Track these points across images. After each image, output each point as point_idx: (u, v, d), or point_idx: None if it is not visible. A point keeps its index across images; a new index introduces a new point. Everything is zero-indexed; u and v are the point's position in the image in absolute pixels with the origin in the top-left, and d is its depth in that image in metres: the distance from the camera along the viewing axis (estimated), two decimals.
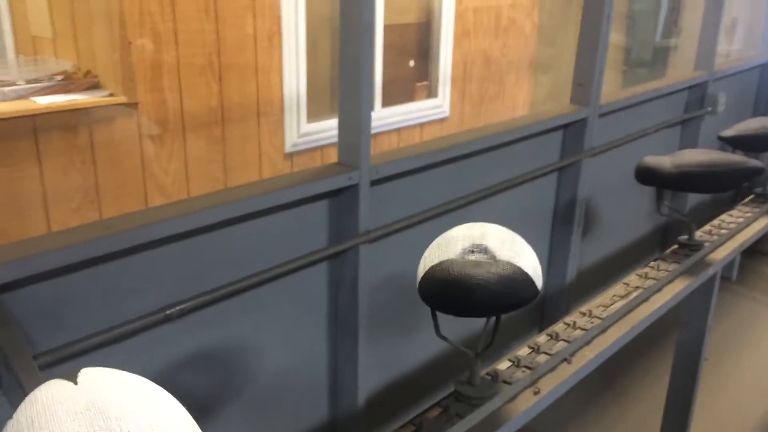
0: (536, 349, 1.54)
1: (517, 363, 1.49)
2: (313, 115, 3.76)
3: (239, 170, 3.44)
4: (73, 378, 0.85)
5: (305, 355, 1.99)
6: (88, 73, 3.02)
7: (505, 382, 1.42)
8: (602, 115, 2.81)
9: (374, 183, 1.92)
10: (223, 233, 1.66)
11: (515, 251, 1.27)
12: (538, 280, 1.28)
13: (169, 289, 1.56)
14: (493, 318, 1.31)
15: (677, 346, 2.37)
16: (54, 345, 1.34)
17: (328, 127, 3.83)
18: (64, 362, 1.35)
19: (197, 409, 1.75)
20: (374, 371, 2.12)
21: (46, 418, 0.75)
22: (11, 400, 1.19)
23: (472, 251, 1.26)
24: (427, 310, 2.27)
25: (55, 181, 2.76)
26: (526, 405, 1.40)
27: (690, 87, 3.52)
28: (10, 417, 1.10)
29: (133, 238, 1.44)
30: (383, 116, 4.09)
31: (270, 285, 1.81)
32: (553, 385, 1.47)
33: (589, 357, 1.58)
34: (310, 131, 3.74)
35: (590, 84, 2.67)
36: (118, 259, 1.45)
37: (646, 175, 2.08)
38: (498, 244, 1.28)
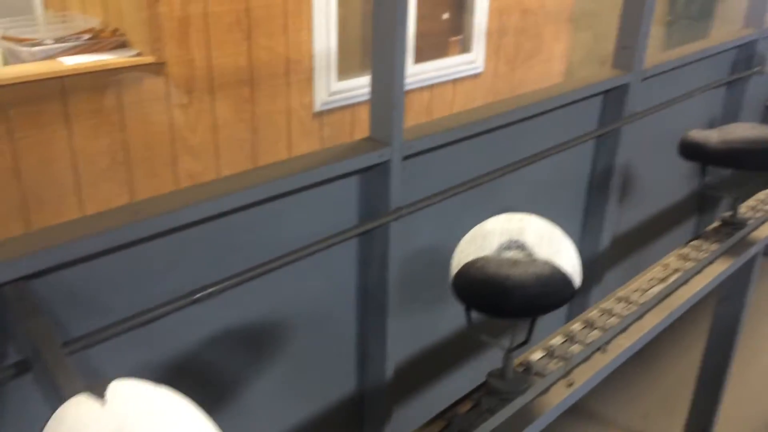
0: (570, 339, 1.51)
1: (551, 353, 1.45)
2: (344, 72, 3.68)
3: (267, 130, 3.40)
4: (101, 391, 0.84)
5: (335, 329, 1.99)
6: (115, 31, 2.97)
7: (537, 374, 1.39)
8: (644, 79, 2.69)
9: (406, 158, 1.87)
10: (254, 212, 1.64)
11: (554, 248, 1.22)
12: (577, 278, 1.23)
13: (200, 271, 1.55)
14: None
15: (714, 321, 2.32)
16: (85, 329, 1.34)
17: (359, 85, 3.75)
18: (95, 347, 1.35)
19: (230, 387, 1.76)
20: (402, 344, 2.11)
21: None
22: (41, 387, 1.20)
23: (509, 248, 1.22)
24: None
25: (85, 143, 2.75)
26: (560, 398, 1.37)
27: (738, 46, 3.35)
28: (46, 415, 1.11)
29: (162, 224, 1.42)
30: (414, 72, 3.98)
31: (301, 263, 1.78)
32: (587, 376, 1.44)
33: (624, 345, 1.55)
34: (341, 89, 3.67)
35: (635, 47, 2.55)
36: (147, 242, 1.44)
37: (690, 151, 2.00)
38: (536, 240, 1.23)
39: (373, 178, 1.85)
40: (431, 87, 4.15)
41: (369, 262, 1.95)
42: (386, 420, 2.09)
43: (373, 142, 1.84)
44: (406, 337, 2.14)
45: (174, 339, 1.58)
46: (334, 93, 3.65)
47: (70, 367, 1.18)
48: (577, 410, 2.62)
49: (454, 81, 4.34)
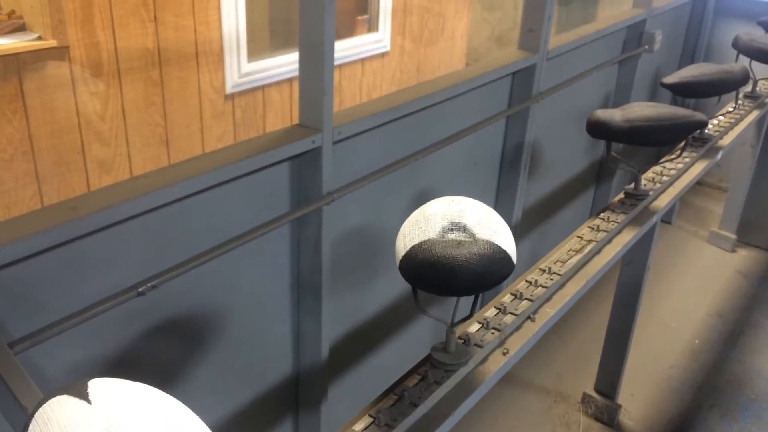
0: (502, 310, 1.62)
1: (486, 325, 1.56)
2: (254, 54, 3.64)
3: (179, 114, 3.32)
4: (82, 392, 0.85)
5: (270, 314, 2.01)
6: (11, 13, 2.80)
7: (476, 345, 1.49)
8: (549, 59, 2.84)
9: (336, 143, 1.91)
10: (189, 204, 1.63)
11: (492, 229, 1.31)
12: (514, 256, 1.33)
13: (137, 265, 1.53)
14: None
15: (619, 285, 2.52)
16: (28, 329, 1.31)
17: (269, 66, 3.73)
18: (40, 345, 1.32)
19: (171, 375, 1.76)
20: (336, 322, 2.17)
21: None
22: None
23: (452, 230, 1.29)
24: (385, 260, 2.33)
25: None
26: (497, 366, 1.48)
27: (629, 26, 3.58)
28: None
29: (100, 220, 1.40)
30: None
31: (236, 250, 1.80)
32: (520, 344, 1.55)
33: (550, 314, 1.67)
34: (251, 71, 3.63)
35: (540, 30, 2.68)
36: (83, 238, 1.41)
37: (597, 129, 2.15)
38: (476, 221, 1.31)
39: (305, 164, 1.88)
40: (340, 67, 4.17)
41: (302, 247, 1.99)
42: (322, 399, 2.15)
43: (304, 128, 1.87)
44: (340, 317, 2.21)
45: (114, 333, 1.57)
46: (245, 74, 3.61)
47: (21, 368, 1.16)
48: None
49: (363, 60, 4.38)
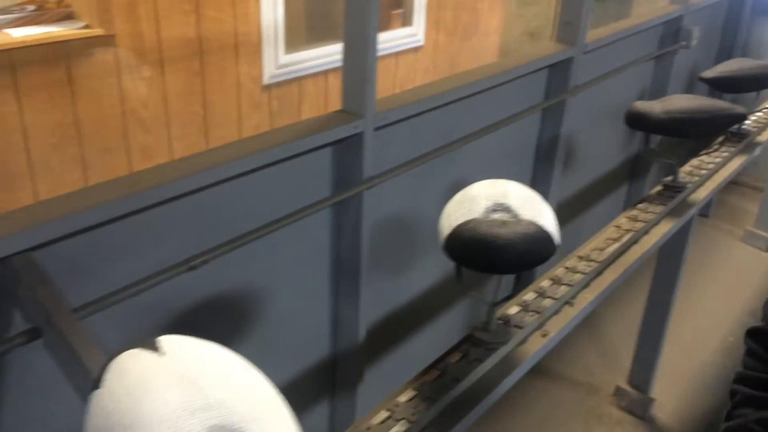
0: (541, 294, 1.64)
1: (525, 307, 1.58)
2: (291, 45, 3.69)
3: (218, 103, 3.39)
4: (153, 346, 0.89)
5: (310, 297, 2.06)
6: (60, 1, 2.89)
7: (516, 326, 1.52)
8: (586, 53, 2.85)
9: (377, 129, 1.94)
10: (234, 185, 1.68)
11: (536, 210, 1.34)
12: (557, 237, 1.35)
13: (187, 242, 1.59)
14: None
15: (655, 278, 2.52)
16: (84, 299, 1.37)
17: (306, 58, 3.78)
18: (97, 314, 1.38)
19: None
20: (374, 306, 2.21)
21: (144, 389, 0.80)
22: (54, 352, 1.22)
23: (495, 210, 1.32)
24: (421, 248, 2.36)
25: (35, 117, 2.69)
26: (537, 347, 1.50)
27: (665, 22, 3.57)
28: (69, 371, 1.14)
29: (155, 196, 1.45)
30: None
31: (278, 232, 1.84)
32: (559, 327, 1.58)
33: (589, 299, 1.69)
34: (288, 62, 3.69)
35: (578, 22, 2.69)
36: (139, 213, 1.47)
37: (635, 121, 2.16)
38: (519, 203, 1.34)
39: (347, 150, 1.92)
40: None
41: (342, 231, 2.03)
42: (359, 381, 2.19)
43: (346, 114, 1.90)
44: (377, 301, 2.24)
45: (162, 306, 1.62)
46: (282, 66, 3.67)
47: (85, 331, 1.22)
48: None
49: (396, 54, 4.42)
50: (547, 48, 2.77)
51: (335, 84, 3.94)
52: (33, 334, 1.23)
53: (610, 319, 3.25)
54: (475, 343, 1.45)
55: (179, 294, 1.64)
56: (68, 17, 2.86)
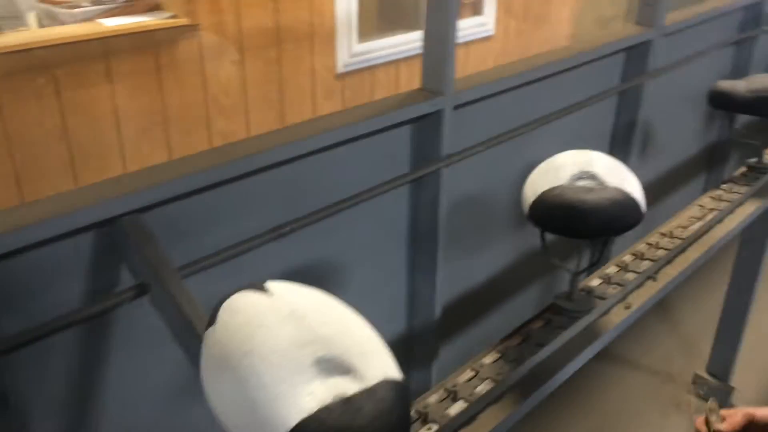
0: (624, 268, 1.64)
1: (608, 280, 1.58)
2: (364, 35, 3.76)
3: (293, 91, 3.48)
4: (261, 288, 0.95)
5: (387, 272, 2.10)
6: None
7: (599, 297, 1.52)
8: (665, 36, 2.80)
9: (456, 107, 1.97)
10: (317, 159, 1.74)
11: (622, 177, 1.34)
12: (643, 205, 1.35)
13: (274, 212, 1.65)
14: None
15: (736, 263, 2.46)
16: (181, 262, 1.45)
17: (378, 47, 3.83)
18: (193, 276, 1.46)
19: None
20: (449, 284, 2.24)
21: (257, 323, 0.86)
22: (160, 306, 1.30)
23: (581, 177, 1.34)
24: (495, 228, 2.38)
25: (126, 103, 2.83)
26: (620, 318, 1.51)
27: (746, 6, 3.46)
28: (174, 325, 1.22)
29: (250, 164, 1.52)
30: None
31: (356, 208, 1.89)
32: (642, 300, 1.57)
33: (672, 275, 1.68)
34: (361, 51, 3.75)
35: (657, 4, 2.65)
36: (232, 183, 1.54)
37: (719, 99, 2.12)
38: (605, 171, 1.35)
39: (426, 127, 1.96)
40: None
41: (420, 207, 2.06)
42: (434, 357, 2.23)
43: (426, 92, 1.94)
44: (452, 279, 2.27)
45: (247, 275, 1.69)
46: (355, 55, 3.73)
47: (187, 288, 1.30)
48: (602, 353, 2.77)
49: (467, 44, 4.43)
50: (625, 30, 2.74)
51: (406, 73, 3.98)
52: (140, 289, 1.32)
53: (689, 307, 3.18)
54: (558, 311, 1.47)
55: (265, 262, 1.71)
56: (156, 8, 2.99)
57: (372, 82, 3.90)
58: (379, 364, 0.87)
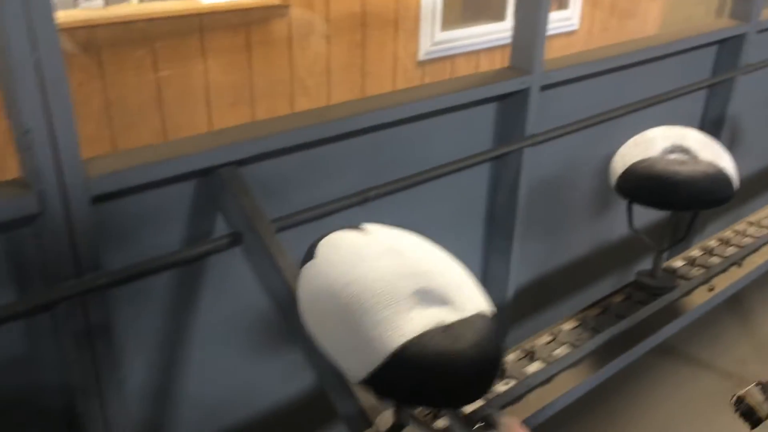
0: (709, 252, 1.61)
1: (692, 262, 1.56)
2: (447, 24, 3.78)
3: (374, 75, 3.54)
4: (358, 227, 1.00)
5: (462, 249, 2.10)
6: None
7: (682, 277, 1.51)
8: (760, 32, 2.72)
9: (543, 88, 1.97)
10: (403, 130, 1.77)
11: (715, 153, 1.33)
12: (735, 182, 1.33)
13: (359, 177, 1.70)
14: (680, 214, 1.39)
15: None
16: (272, 216, 1.51)
17: (460, 36, 3.85)
18: (281, 233, 1.52)
19: None
20: (524, 266, 2.24)
21: (358, 256, 0.90)
22: (252, 255, 1.37)
23: (673, 151, 1.33)
24: (574, 214, 2.36)
25: (216, 78, 2.94)
26: (703, 299, 1.49)
27: None
28: (266, 268, 1.28)
29: (339, 127, 1.57)
30: (509, 28, 4.05)
31: (438, 181, 1.92)
32: (726, 284, 1.55)
33: (757, 263, 1.64)
34: (444, 40, 3.77)
35: None
36: (323, 146, 1.60)
37: None
38: (698, 146, 1.34)
39: (512, 105, 1.97)
40: None
41: (500, 186, 2.08)
42: (503, 339, 2.24)
43: (514, 70, 1.95)
44: (526, 262, 2.27)
45: None
46: (437, 43, 3.75)
47: (278, 239, 1.36)
48: (674, 353, 2.72)
49: (550, 37, 4.37)
50: (718, 23, 2.67)
51: (486, 64, 3.98)
52: (235, 238, 1.39)
53: (765, 310, 3.07)
54: (640, 287, 1.46)
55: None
56: None
57: (452, 71, 3.91)
58: (475, 298, 0.90)
